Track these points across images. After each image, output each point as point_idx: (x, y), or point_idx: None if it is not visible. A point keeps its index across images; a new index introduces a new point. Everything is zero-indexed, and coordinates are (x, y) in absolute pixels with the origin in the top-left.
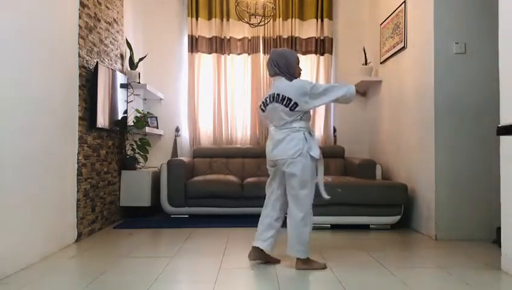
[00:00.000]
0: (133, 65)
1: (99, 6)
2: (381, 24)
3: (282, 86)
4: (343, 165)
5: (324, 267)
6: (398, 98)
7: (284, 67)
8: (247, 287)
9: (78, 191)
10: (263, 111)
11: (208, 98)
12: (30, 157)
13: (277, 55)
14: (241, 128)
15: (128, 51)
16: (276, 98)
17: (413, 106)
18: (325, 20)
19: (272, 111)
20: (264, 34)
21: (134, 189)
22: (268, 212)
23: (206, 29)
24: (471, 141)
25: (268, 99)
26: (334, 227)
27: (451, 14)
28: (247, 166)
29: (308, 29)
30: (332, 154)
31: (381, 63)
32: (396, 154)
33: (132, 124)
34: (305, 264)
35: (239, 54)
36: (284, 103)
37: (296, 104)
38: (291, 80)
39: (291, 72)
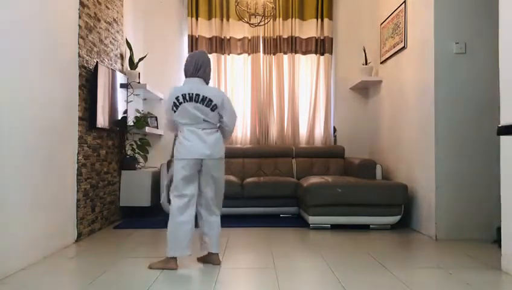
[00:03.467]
0: (133, 65)
1: (99, 6)
2: (381, 24)
3: (202, 87)
4: (343, 165)
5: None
6: (398, 98)
7: (208, 72)
8: (247, 287)
9: (78, 191)
10: (175, 110)
11: None
12: (30, 157)
13: (204, 58)
14: (241, 128)
15: (128, 50)
16: (196, 98)
17: (413, 106)
18: (325, 20)
19: (186, 110)
20: (264, 34)
21: (134, 189)
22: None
23: (206, 29)
24: (471, 140)
25: (182, 98)
26: (334, 227)
27: (451, 14)
28: (247, 166)
29: (308, 29)
30: (332, 154)
31: (381, 63)
32: (396, 154)
33: (132, 124)
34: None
35: (239, 54)
36: (205, 103)
37: (216, 106)
38: (207, 84)
39: (208, 78)
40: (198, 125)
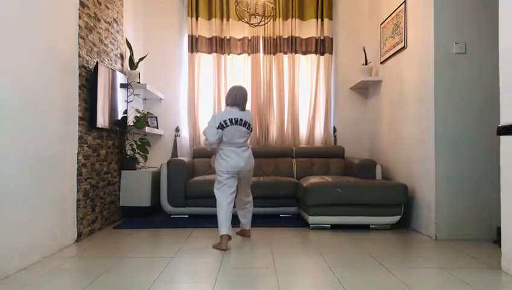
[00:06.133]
0: (133, 65)
1: (99, 6)
2: (381, 24)
3: (241, 114)
4: (343, 165)
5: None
6: (398, 98)
7: (244, 102)
8: (247, 287)
9: (78, 191)
10: (222, 129)
11: (208, 98)
12: (30, 158)
13: (240, 91)
14: None
15: (128, 50)
16: (240, 122)
17: (413, 106)
18: (325, 20)
19: (229, 132)
20: (264, 34)
21: (134, 189)
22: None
23: (206, 29)
24: (471, 141)
25: (229, 121)
26: (334, 227)
27: (451, 14)
28: None
29: (308, 29)
30: (332, 154)
31: (381, 63)
32: (396, 154)
33: (132, 124)
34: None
35: (239, 54)
36: (246, 126)
37: (251, 127)
38: (244, 110)
39: (244, 105)
40: (236, 144)
